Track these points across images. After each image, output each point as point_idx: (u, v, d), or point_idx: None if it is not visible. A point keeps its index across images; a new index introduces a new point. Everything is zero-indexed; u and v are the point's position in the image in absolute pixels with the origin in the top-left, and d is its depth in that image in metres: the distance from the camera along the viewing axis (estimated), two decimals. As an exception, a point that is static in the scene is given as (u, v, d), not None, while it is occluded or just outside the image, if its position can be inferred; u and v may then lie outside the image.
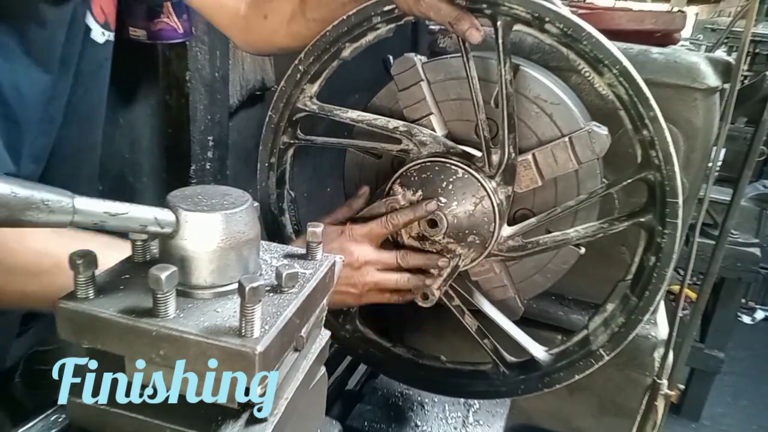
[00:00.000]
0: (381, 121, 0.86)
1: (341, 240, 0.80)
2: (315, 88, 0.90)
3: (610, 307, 0.88)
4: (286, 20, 0.96)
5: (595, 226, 0.84)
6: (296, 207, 1.01)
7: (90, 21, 0.79)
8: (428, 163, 0.83)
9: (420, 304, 0.88)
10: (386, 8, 0.82)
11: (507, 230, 0.86)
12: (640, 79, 0.75)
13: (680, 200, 0.77)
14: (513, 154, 0.81)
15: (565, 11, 0.75)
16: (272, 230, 0.99)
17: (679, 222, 0.78)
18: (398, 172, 0.85)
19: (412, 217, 0.82)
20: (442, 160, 0.83)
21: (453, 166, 0.83)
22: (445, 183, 0.83)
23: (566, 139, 0.81)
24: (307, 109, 0.90)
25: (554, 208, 0.85)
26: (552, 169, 0.82)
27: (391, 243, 0.88)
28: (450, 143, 0.85)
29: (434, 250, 0.86)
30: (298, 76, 0.88)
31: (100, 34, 0.82)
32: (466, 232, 0.84)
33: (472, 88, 0.80)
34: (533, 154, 0.82)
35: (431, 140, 0.85)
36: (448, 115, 0.88)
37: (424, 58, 0.89)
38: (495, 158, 0.82)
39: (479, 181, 0.83)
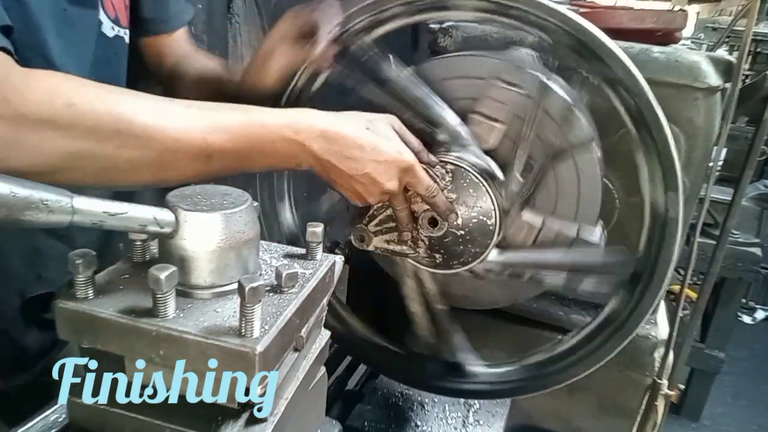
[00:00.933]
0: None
1: (404, 146, 0.77)
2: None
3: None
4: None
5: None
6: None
7: (102, 15, 0.81)
8: (482, 186, 0.83)
9: (351, 239, 0.88)
10: None
11: (494, 254, 0.87)
12: (575, 17, 0.76)
13: (660, 113, 0.76)
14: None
15: None
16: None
17: (668, 134, 0.77)
18: (458, 162, 0.83)
19: (438, 206, 0.81)
20: (480, 182, 0.83)
21: (492, 205, 0.83)
22: (475, 214, 0.83)
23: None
24: None
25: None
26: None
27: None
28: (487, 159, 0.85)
29: (410, 232, 0.86)
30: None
31: (110, 28, 0.83)
32: (441, 251, 0.85)
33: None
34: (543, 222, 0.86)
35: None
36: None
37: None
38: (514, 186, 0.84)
39: (494, 226, 0.83)
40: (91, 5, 0.79)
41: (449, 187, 0.83)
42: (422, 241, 0.85)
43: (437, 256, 0.85)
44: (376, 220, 0.86)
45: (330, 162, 0.71)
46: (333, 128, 0.71)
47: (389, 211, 0.84)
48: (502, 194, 0.84)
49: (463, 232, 0.83)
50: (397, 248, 0.87)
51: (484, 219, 0.83)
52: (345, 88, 0.90)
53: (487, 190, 0.82)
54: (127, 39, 0.89)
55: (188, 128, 0.61)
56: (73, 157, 0.56)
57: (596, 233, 0.88)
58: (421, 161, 0.79)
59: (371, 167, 0.73)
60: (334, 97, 0.91)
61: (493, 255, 0.86)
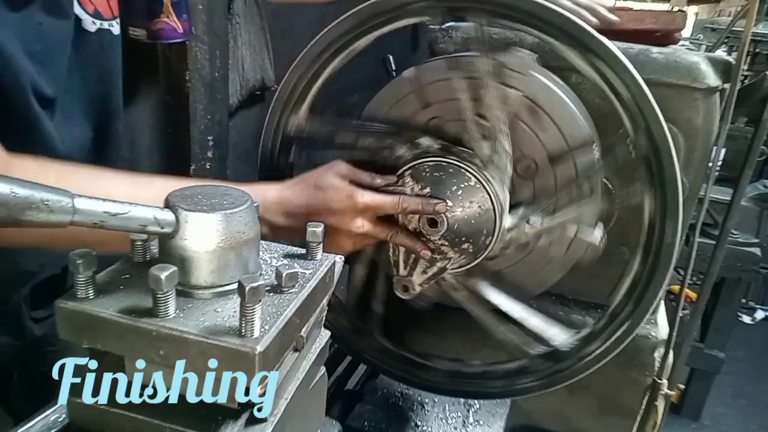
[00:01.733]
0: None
1: (352, 188, 0.81)
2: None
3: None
4: None
5: None
6: None
7: (79, 10, 0.79)
8: (444, 163, 0.83)
9: (398, 294, 0.89)
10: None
11: (507, 219, 0.86)
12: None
13: (651, 97, 0.77)
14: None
15: None
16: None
17: (657, 111, 0.77)
18: (411, 163, 0.85)
19: (419, 210, 0.82)
20: (458, 164, 0.83)
21: (467, 173, 0.83)
22: (455, 187, 0.83)
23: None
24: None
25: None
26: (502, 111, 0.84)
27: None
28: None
29: (425, 248, 0.86)
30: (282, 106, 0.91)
31: (90, 23, 0.82)
32: (463, 239, 0.84)
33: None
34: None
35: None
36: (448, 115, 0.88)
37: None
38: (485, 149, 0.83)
39: (491, 198, 0.83)
40: (68, 5, 0.77)
41: (418, 188, 0.83)
42: (443, 245, 0.84)
43: (466, 246, 0.84)
44: (400, 264, 0.87)
45: (291, 227, 0.78)
46: (284, 199, 0.79)
47: (402, 248, 0.86)
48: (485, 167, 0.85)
49: (461, 209, 0.83)
50: (434, 269, 0.86)
51: (466, 184, 0.83)
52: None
53: (449, 162, 0.83)
54: (115, 30, 0.86)
55: None
56: (54, 240, 0.61)
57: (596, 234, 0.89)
58: (378, 189, 0.83)
59: (330, 220, 0.78)
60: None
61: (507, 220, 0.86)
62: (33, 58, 0.72)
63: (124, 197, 0.63)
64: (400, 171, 0.85)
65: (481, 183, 0.82)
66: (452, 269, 0.88)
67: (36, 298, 0.92)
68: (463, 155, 0.83)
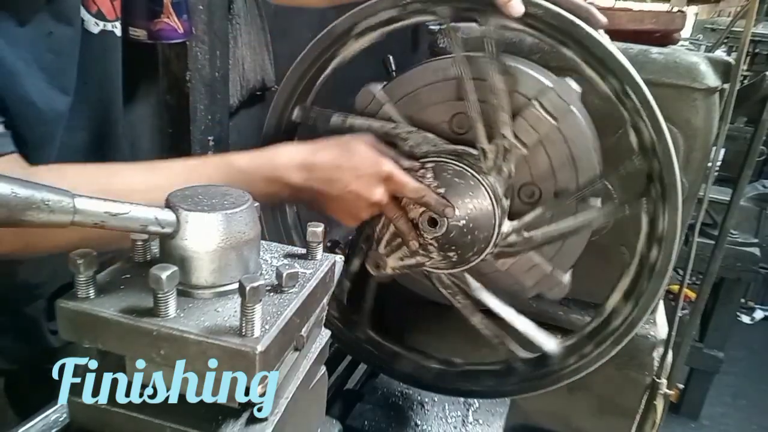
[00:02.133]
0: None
1: (380, 157, 0.80)
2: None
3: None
4: None
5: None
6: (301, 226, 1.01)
7: (81, 11, 0.78)
8: (468, 173, 0.83)
9: (369, 270, 0.89)
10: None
11: (506, 226, 0.86)
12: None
13: (657, 109, 0.76)
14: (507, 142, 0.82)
15: None
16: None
17: (662, 121, 0.77)
18: (437, 157, 0.84)
19: (430, 204, 0.82)
20: (470, 173, 0.83)
21: (481, 186, 0.83)
22: (468, 199, 0.83)
23: (533, 101, 0.81)
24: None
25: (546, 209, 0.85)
26: (531, 134, 0.83)
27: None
28: (445, 144, 0.85)
29: (415, 240, 0.86)
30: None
31: (93, 24, 0.80)
32: (452, 247, 0.85)
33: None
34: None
35: (423, 140, 0.86)
36: (431, 119, 0.89)
37: (380, 85, 0.90)
38: (489, 153, 0.83)
39: (492, 203, 0.83)
40: (75, 11, 0.76)
41: (435, 184, 0.83)
42: (431, 245, 0.84)
43: (451, 254, 0.85)
44: (383, 242, 0.87)
45: (314, 188, 0.76)
46: (309, 158, 0.76)
47: (392, 229, 0.85)
48: (490, 174, 0.84)
49: (464, 221, 0.83)
50: (412, 261, 0.87)
51: (480, 200, 0.83)
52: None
53: (472, 174, 0.83)
54: (117, 32, 0.85)
55: None
56: (80, 243, 0.60)
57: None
58: (401, 168, 0.82)
59: (354, 184, 0.77)
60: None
61: (506, 227, 0.86)
62: (45, 71, 0.71)
63: (144, 184, 0.64)
64: (424, 160, 0.85)
65: (493, 206, 0.83)
66: (429, 267, 0.89)
67: (52, 311, 0.92)
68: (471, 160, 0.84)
